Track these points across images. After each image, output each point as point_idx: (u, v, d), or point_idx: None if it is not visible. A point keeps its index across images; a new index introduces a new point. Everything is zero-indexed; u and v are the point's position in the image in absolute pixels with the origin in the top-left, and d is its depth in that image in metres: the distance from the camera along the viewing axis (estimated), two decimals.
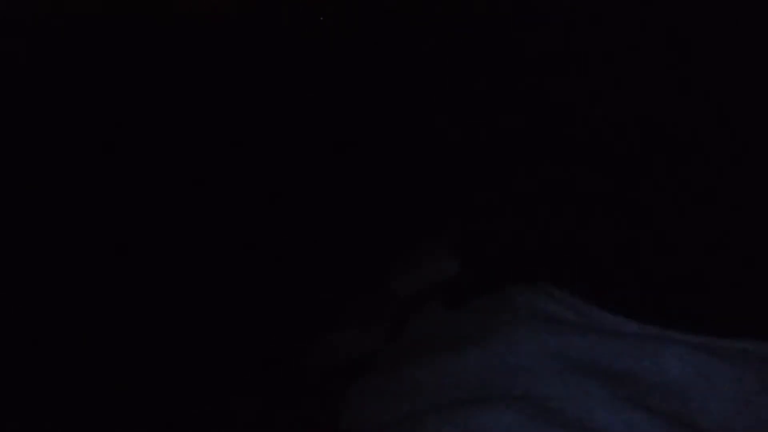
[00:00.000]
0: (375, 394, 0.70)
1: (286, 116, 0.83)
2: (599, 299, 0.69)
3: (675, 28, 0.69)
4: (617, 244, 0.70)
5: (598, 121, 0.70)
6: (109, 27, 0.82)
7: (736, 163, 0.68)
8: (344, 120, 0.83)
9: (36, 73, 0.82)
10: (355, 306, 0.78)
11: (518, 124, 0.72)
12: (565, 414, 0.64)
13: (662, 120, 0.69)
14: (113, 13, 0.81)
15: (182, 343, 0.81)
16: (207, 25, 0.82)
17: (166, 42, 0.82)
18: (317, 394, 0.74)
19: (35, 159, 0.83)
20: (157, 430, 0.77)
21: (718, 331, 0.68)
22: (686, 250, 0.69)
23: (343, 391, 0.72)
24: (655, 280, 0.69)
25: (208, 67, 0.83)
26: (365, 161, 0.82)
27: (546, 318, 0.69)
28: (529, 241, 0.72)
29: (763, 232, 0.68)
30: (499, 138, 0.73)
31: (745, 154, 0.68)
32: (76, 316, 0.81)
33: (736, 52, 0.68)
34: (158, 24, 0.81)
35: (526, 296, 0.71)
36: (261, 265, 0.82)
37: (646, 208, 0.69)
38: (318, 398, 0.74)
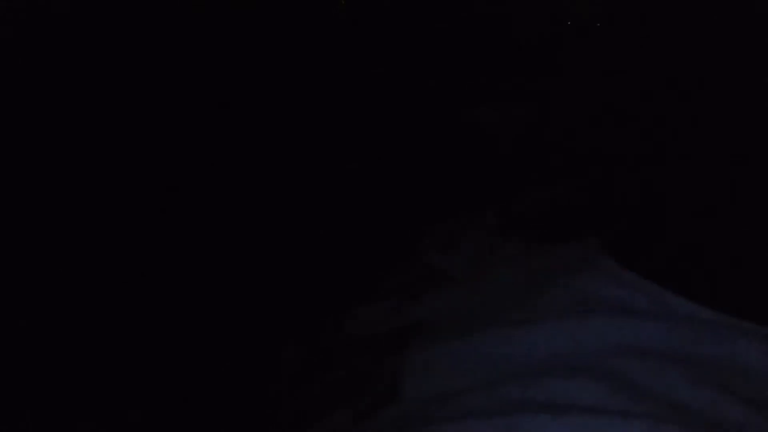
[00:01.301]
0: (440, 364, 0.70)
1: (323, 96, 0.83)
2: (672, 285, 0.69)
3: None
4: (692, 233, 0.71)
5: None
6: (109, 26, 0.83)
7: None
8: (379, 103, 0.83)
9: (36, 71, 0.83)
10: (392, 278, 0.79)
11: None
12: (650, 389, 0.64)
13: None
14: (112, 12, 0.82)
15: (229, 307, 0.81)
16: (207, 24, 0.83)
17: (166, 40, 0.83)
18: (367, 360, 0.74)
19: (35, 158, 0.83)
20: (207, 381, 0.77)
21: None
22: (757, 240, 0.70)
23: (396, 359, 0.72)
24: (729, 268, 0.70)
25: (208, 65, 0.84)
26: (402, 140, 0.82)
27: (618, 302, 0.69)
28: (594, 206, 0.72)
29: None
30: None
31: None
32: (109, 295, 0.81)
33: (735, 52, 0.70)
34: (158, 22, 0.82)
35: (595, 279, 0.70)
36: (301, 237, 0.82)
37: (719, 199, 0.70)
38: (369, 363, 0.74)
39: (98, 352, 0.80)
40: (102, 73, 0.83)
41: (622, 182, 0.74)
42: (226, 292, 0.81)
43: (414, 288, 0.78)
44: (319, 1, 0.84)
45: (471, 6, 0.83)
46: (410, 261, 0.79)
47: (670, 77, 0.74)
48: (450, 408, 0.66)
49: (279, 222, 0.83)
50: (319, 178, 0.83)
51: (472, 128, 0.82)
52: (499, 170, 0.79)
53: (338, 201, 0.83)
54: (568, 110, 0.79)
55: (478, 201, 0.80)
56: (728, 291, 0.69)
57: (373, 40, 0.85)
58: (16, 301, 0.81)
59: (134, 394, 0.78)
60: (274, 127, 0.84)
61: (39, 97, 0.83)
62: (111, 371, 0.79)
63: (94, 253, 0.83)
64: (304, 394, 0.75)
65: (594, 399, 0.63)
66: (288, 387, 0.76)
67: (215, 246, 0.82)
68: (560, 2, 0.80)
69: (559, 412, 0.62)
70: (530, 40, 0.81)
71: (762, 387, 0.65)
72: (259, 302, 0.80)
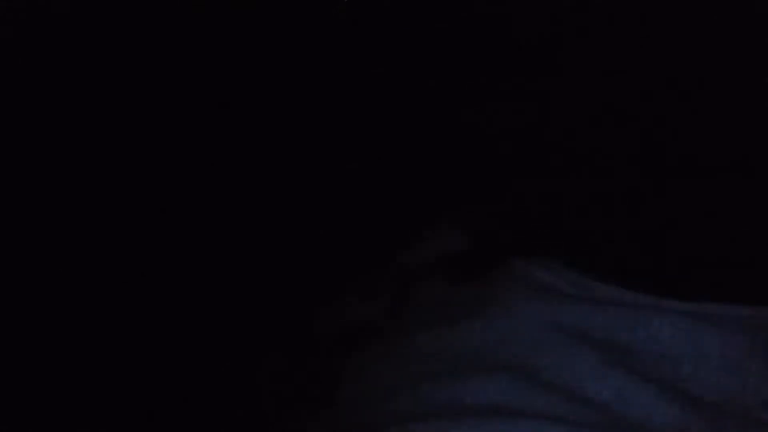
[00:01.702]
0: (375, 363, 0.72)
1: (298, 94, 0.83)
2: (594, 270, 0.70)
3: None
4: (612, 216, 0.71)
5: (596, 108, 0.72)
6: (109, 26, 0.83)
7: (724, 139, 0.70)
8: (354, 100, 0.83)
9: (36, 71, 0.83)
10: (359, 277, 0.79)
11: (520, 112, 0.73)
12: (556, 383, 0.65)
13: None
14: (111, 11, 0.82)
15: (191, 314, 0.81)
16: (207, 24, 0.83)
17: (166, 40, 0.83)
18: (318, 362, 0.75)
19: (35, 158, 0.83)
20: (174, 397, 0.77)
21: (709, 297, 0.70)
22: (679, 219, 0.70)
23: (345, 359, 0.73)
24: (648, 249, 0.71)
25: (207, 64, 0.84)
26: (375, 140, 0.83)
27: (542, 289, 0.70)
28: (530, 215, 0.73)
29: (753, 200, 0.70)
30: (503, 126, 0.74)
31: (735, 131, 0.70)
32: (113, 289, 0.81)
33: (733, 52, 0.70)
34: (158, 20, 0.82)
35: (523, 269, 0.72)
36: (268, 235, 0.82)
37: (639, 181, 0.71)
38: (318, 365, 0.74)
39: (95, 352, 0.80)
40: (102, 73, 0.84)
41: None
42: (216, 292, 0.81)
43: (381, 288, 0.78)
44: (319, 1, 0.84)
45: (471, 6, 0.83)
46: (380, 261, 0.80)
47: (670, 77, 0.74)
48: (376, 411, 0.67)
49: (268, 219, 0.83)
50: (314, 176, 0.83)
51: (472, 128, 0.82)
52: (493, 168, 0.80)
53: (328, 199, 0.83)
54: (568, 110, 0.79)
55: (445, 203, 0.81)
56: (651, 270, 0.71)
57: (373, 40, 0.85)
58: (16, 301, 0.80)
59: (127, 394, 0.78)
60: (273, 126, 0.84)
61: (39, 97, 0.83)
62: (105, 371, 0.79)
63: (92, 252, 0.83)
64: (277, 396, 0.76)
65: (488, 398, 0.65)
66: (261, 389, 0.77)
67: (208, 246, 0.82)
68: (560, 2, 0.80)
69: (453, 415, 0.64)
70: (530, 40, 0.81)
71: (674, 366, 0.67)
72: (242, 300, 0.80)
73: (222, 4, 0.83)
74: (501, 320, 0.69)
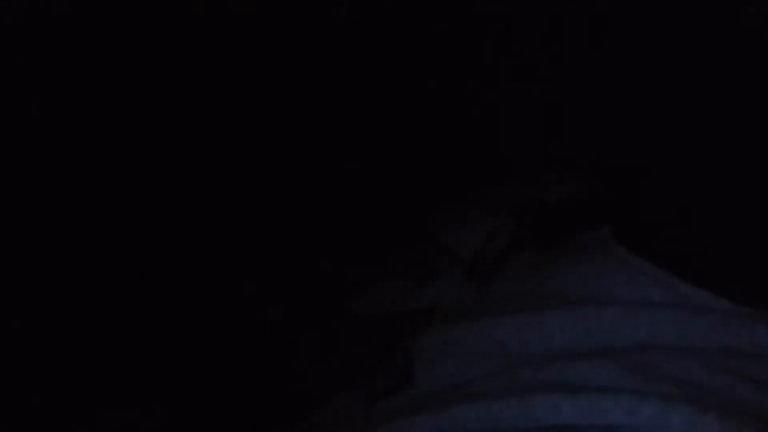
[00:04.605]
0: (452, 352, 0.70)
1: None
2: (686, 274, 0.68)
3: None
4: (705, 222, 0.70)
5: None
6: (109, 26, 0.83)
7: None
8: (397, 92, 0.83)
9: (36, 71, 0.83)
10: (402, 259, 0.79)
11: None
12: (663, 372, 0.63)
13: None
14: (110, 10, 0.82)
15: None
16: (207, 23, 0.83)
17: (166, 40, 0.83)
18: (378, 343, 0.74)
19: (35, 158, 0.83)
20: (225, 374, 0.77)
21: None
22: None
23: (408, 343, 0.72)
24: (746, 259, 0.69)
25: (207, 64, 0.84)
26: (408, 128, 0.83)
27: (632, 293, 0.68)
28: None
29: None
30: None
31: None
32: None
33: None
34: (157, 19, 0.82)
35: (609, 268, 0.70)
36: (313, 216, 0.82)
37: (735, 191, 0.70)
38: (380, 347, 0.74)
39: (101, 351, 0.80)
40: (102, 73, 0.84)
41: (632, 175, 0.75)
42: (238, 278, 0.81)
43: (424, 269, 0.78)
44: (319, 1, 0.84)
45: (471, 6, 0.83)
46: (421, 241, 0.79)
47: (674, 74, 0.74)
48: (463, 392, 0.66)
49: (288, 208, 0.83)
50: (326, 166, 0.83)
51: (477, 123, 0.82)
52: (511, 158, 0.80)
53: (348, 184, 0.83)
54: (572, 109, 0.79)
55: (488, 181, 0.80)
56: (745, 281, 0.69)
57: (373, 40, 0.85)
58: (16, 301, 0.80)
59: (145, 388, 0.78)
60: (276, 122, 0.84)
61: (39, 97, 0.83)
62: (119, 368, 0.79)
63: (93, 252, 0.83)
64: (315, 375, 0.75)
65: (606, 380, 0.63)
66: (299, 370, 0.76)
67: (222, 234, 0.82)
68: (560, 2, 0.81)
69: (570, 391, 0.62)
70: (530, 40, 0.82)
71: None
72: (269, 288, 0.80)
73: (222, 4, 0.83)
74: (590, 320, 0.67)
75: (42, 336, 0.81)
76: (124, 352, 0.81)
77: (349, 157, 0.84)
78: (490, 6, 0.82)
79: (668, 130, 0.73)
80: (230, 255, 0.82)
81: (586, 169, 0.78)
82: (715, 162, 0.71)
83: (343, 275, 0.80)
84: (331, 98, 0.84)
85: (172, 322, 0.82)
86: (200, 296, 0.82)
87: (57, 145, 0.83)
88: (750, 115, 0.70)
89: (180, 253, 0.82)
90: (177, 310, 0.82)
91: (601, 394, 0.62)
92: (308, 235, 0.83)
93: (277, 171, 0.84)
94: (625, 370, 0.63)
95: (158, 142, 0.84)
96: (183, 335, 0.80)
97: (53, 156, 0.83)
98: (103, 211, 0.84)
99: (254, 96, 0.84)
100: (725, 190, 0.71)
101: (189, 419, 0.77)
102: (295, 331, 0.78)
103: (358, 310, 0.78)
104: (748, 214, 0.70)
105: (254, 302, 0.80)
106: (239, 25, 0.84)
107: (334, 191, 0.84)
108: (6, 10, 0.82)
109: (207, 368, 0.79)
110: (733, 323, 0.66)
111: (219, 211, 0.83)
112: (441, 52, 0.84)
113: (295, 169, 0.84)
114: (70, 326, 0.81)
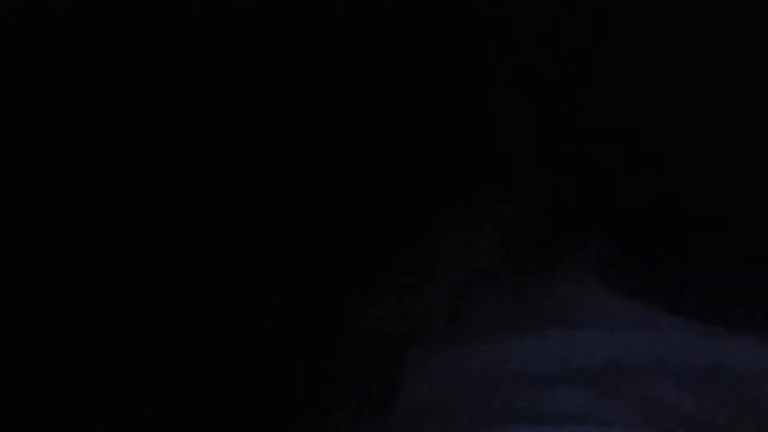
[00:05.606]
0: (432, 375, 0.70)
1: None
2: (659, 301, 0.69)
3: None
4: (677, 242, 0.70)
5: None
6: (109, 26, 0.83)
7: None
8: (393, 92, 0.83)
9: (36, 71, 0.83)
10: (400, 278, 0.79)
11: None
12: (635, 396, 0.64)
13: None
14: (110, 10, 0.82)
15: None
16: (207, 23, 0.83)
17: (166, 40, 0.83)
18: (366, 366, 0.74)
19: (35, 158, 0.83)
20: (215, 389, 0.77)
21: None
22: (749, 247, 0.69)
23: (397, 365, 0.72)
24: (716, 279, 0.69)
25: (207, 64, 0.84)
26: (406, 130, 0.83)
27: (605, 317, 0.69)
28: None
29: None
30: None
31: None
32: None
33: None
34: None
35: (581, 292, 0.71)
36: (312, 216, 0.82)
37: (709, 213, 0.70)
38: (369, 370, 0.74)
39: (101, 351, 0.80)
40: (102, 73, 0.84)
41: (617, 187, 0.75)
42: (233, 287, 0.81)
43: (417, 281, 0.78)
44: (319, 1, 0.84)
45: (471, 6, 0.83)
46: (419, 243, 0.79)
47: (673, 78, 0.74)
48: (438, 419, 0.66)
49: (287, 208, 0.83)
50: (325, 165, 0.83)
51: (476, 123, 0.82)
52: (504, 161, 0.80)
53: (348, 184, 0.83)
54: (571, 109, 0.79)
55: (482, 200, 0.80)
56: (715, 301, 0.69)
57: (372, 39, 0.85)
58: (16, 301, 0.80)
59: (143, 390, 0.78)
60: (275, 122, 0.84)
61: (39, 97, 0.83)
62: (118, 369, 0.79)
63: (94, 252, 0.83)
64: (309, 381, 0.75)
65: (574, 407, 0.64)
66: (295, 374, 0.76)
67: (218, 242, 0.82)
68: (560, 2, 0.80)
69: (538, 421, 0.63)
70: (530, 40, 0.82)
71: (750, 388, 0.66)
72: (266, 296, 0.80)
73: (222, 4, 0.83)
74: (560, 343, 0.68)
75: (42, 336, 0.80)
76: (124, 352, 0.81)
77: (349, 157, 0.84)
78: (490, 6, 0.82)
79: (668, 130, 0.73)
80: (228, 256, 0.82)
81: (586, 169, 0.78)
82: (716, 163, 0.71)
83: (342, 276, 0.80)
84: (331, 98, 0.84)
85: (170, 323, 0.82)
86: (198, 298, 0.82)
87: (57, 145, 0.83)
88: (750, 115, 0.70)
89: (177, 255, 0.82)
90: (175, 312, 0.82)
91: (567, 423, 0.62)
92: (307, 235, 0.83)
93: (276, 171, 0.84)
94: (594, 395, 0.64)
95: (158, 142, 0.84)
96: (181, 337, 0.80)
97: (53, 156, 0.83)
98: (102, 211, 0.84)
99: (254, 96, 0.84)
100: (710, 200, 0.71)
101: (189, 419, 0.77)
102: (290, 337, 0.78)
103: (352, 319, 0.78)
104: (721, 232, 0.70)
105: (252, 304, 0.80)
106: (239, 25, 0.84)
107: (334, 191, 0.84)
108: (6, 10, 0.82)
109: (206, 369, 0.79)
110: (703, 344, 0.66)
111: (218, 212, 0.83)
112: (441, 52, 0.84)
113: (293, 169, 0.84)
114: (70, 326, 0.81)
